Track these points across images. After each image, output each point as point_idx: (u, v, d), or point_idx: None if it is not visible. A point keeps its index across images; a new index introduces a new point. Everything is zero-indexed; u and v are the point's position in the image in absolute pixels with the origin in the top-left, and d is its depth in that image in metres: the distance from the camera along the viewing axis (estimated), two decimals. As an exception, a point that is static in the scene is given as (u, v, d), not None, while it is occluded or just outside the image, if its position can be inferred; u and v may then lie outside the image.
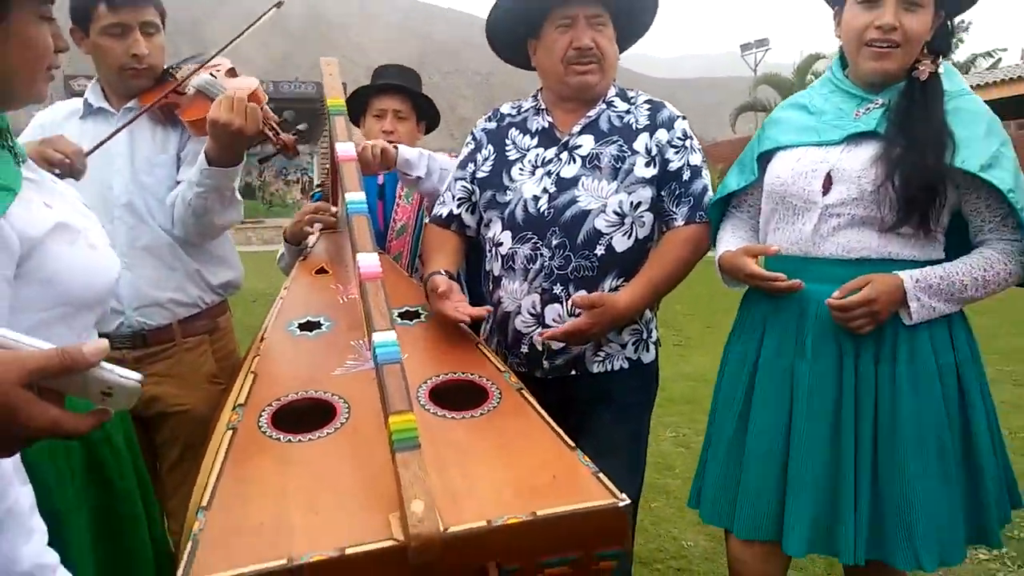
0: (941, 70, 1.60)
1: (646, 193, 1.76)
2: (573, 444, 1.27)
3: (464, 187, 1.92)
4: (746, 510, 1.60)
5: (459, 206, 1.92)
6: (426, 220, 2.24)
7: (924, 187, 1.49)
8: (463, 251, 1.94)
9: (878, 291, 1.48)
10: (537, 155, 1.82)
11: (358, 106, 2.36)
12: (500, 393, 1.42)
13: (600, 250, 1.73)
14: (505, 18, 1.84)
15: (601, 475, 1.19)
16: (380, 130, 2.30)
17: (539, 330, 1.74)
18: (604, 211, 1.73)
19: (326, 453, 1.24)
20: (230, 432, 1.27)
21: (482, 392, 1.43)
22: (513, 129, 1.90)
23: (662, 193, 1.79)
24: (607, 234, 1.73)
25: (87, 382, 0.76)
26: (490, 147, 1.91)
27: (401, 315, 1.68)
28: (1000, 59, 25.49)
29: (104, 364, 0.76)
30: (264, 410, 1.34)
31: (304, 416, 1.35)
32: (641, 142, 1.79)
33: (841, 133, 1.61)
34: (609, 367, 1.80)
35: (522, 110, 1.93)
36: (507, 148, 1.88)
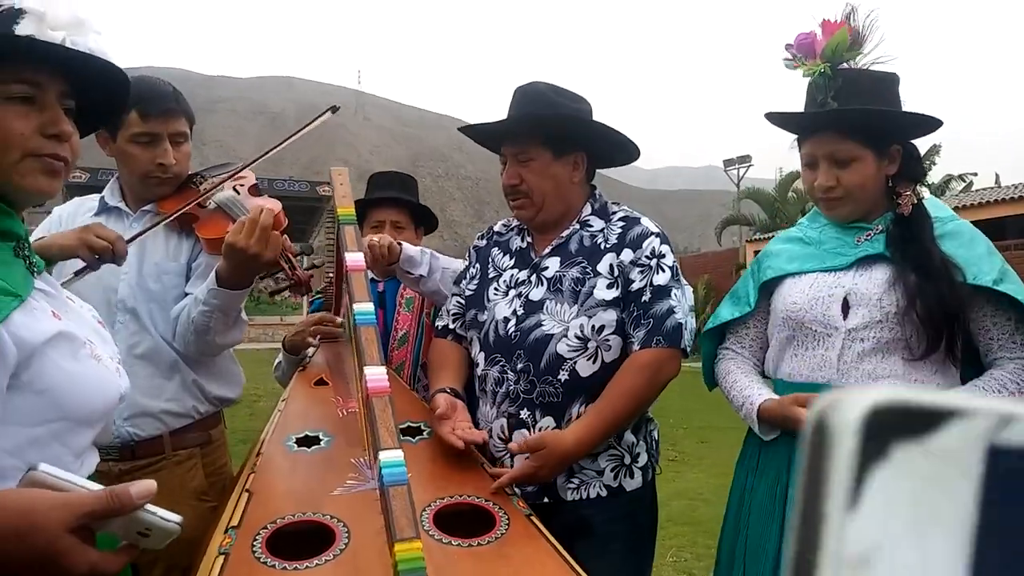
0: (925, 196, 1.66)
1: (609, 316, 1.69)
2: (584, 574, 1.21)
3: (458, 302, 1.92)
4: None
5: (454, 321, 1.92)
6: (427, 325, 2.22)
7: (946, 314, 1.50)
8: (468, 363, 1.89)
9: None
10: (512, 276, 1.82)
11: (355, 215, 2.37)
12: (508, 519, 1.36)
13: (564, 375, 1.67)
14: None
15: (616, 613, 1.13)
16: None
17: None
18: (566, 335, 1.68)
19: (325, 583, 1.17)
20: (222, 558, 1.20)
21: (489, 517, 1.36)
22: (495, 248, 1.91)
23: (623, 316, 1.71)
24: (569, 359, 1.67)
25: (127, 522, 0.74)
26: (478, 265, 1.92)
27: (403, 431, 1.63)
28: (971, 182, 26.54)
29: (147, 506, 0.74)
30: (259, 533, 1.26)
31: (301, 540, 1.28)
32: (605, 263, 1.73)
33: (848, 258, 1.63)
34: (584, 495, 1.69)
35: (509, 229, 1.94)
36: (489, 267, 1.89)
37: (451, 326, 1.91)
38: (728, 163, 33.03)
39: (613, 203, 1.88)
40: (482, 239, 1.98)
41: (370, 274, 1.96)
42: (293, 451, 1.53)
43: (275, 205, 1.81)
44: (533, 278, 1.78)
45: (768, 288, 1.74)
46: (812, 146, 1.63)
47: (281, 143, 1.99)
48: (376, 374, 1.32)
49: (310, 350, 2.04)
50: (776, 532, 1.59)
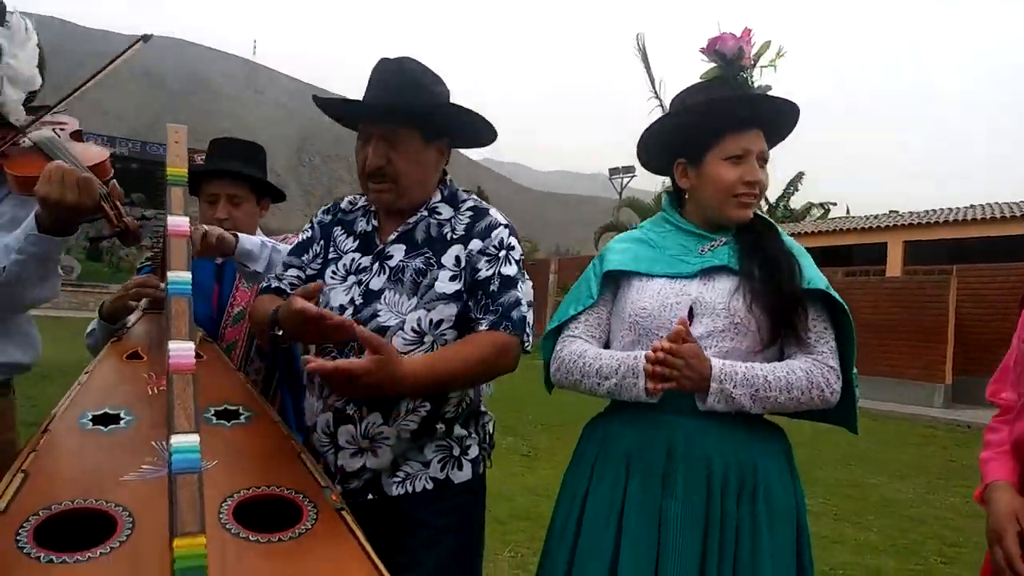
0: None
1: (448, 310, 1.63)
2: (390, 578, 1.14)
3: (297, 276, 1.78)
4: None
5: (291, 290, 1.76)
6: None
7: (787, 305, 1.57)
8: None
9: (695, 352, 1.50)
10: (353, 260, 1.72)
11: (190, 186, 2.21)
12: (316, 513, 1.27)
13: None
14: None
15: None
16: (214, 217, 2.13)
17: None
18: (402, 328, 1.61)
19: (94, 578, 1.04)
20: (-27, 546, 1.05)
21: (296, 511, 1.27)
22: (338, 227, 1.80)
23: (469, 303, 1.65)
24: (404, 353, 1.58)
25: None
26: (321, 242, 1.81)
27: (218, 413, 1.51)
28: (829, 210, 28.62)
29: None
30: (28, 520, 1.12)
31: (81, 530, 1.15)
32: (451, 254, 1.67)
33: (693, 267, 1.65)
34: (410, 488, 1.63)
35: (354, 207, 1.82)
36: (331, 247, 1.78)
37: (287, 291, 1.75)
38: (613, 172, 33.90)
39: (464, 190, 1.81)
40: (327, 213, 1.86)
41: None
42: (87, 429, 1.39)
43: (101, 153, 1.66)
44: (376, 266, 1.69)
45: (614, 282, 1.74)
46: (750, 141, 1.64)
47: (90, 78, 1.80)
48: (180, 349, 1.20)
49: (131, 318, 1.87)
50: (612, 539, 1.57)
